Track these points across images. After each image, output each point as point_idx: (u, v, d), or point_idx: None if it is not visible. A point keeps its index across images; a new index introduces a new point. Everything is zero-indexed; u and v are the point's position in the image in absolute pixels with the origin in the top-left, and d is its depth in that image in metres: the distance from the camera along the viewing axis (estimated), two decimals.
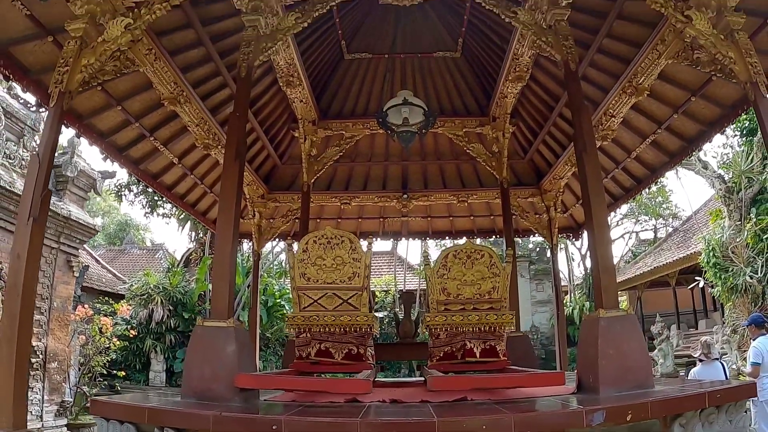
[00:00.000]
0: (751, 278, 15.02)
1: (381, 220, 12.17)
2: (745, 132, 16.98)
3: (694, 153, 8.96)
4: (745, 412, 3.96)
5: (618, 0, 6.39)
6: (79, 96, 5.43)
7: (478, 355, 5.38)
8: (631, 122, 8.20)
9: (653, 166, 9.17)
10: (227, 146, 5.48)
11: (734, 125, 17.16)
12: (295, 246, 5.76)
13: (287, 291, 21.88)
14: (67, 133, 10.30)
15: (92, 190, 13.74)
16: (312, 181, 9.68)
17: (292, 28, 6.02)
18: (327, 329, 5.37)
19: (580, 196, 10.74)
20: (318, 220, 11.54)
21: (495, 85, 8.99)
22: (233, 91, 7.61)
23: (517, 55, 7.64)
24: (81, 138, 7.69)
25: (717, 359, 8.97)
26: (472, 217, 12.29)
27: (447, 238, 12.79)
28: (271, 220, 10.97)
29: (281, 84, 8.18)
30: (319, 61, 9.17)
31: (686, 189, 65.37)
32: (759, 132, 15.66)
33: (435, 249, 38.67)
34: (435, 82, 9.90)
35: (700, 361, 8.97)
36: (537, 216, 11.11)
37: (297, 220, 10.57)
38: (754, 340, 8.57)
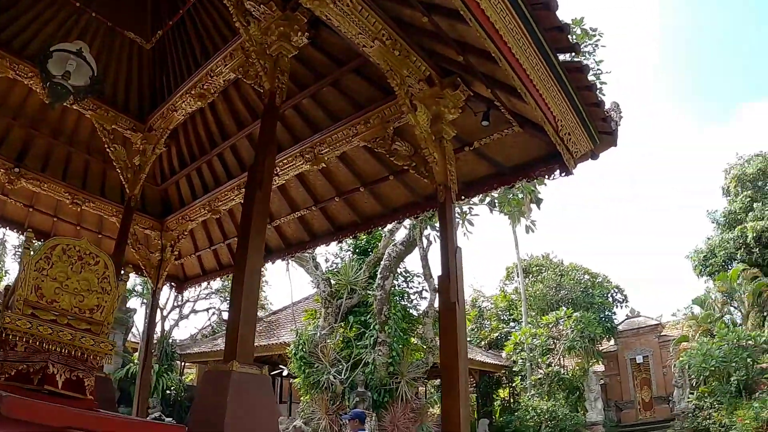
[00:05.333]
0: (335, 378, 16.29)
1: None
2: (358, 251, 19.40)
3: (330, 244, 9.26)
4: None
5: (344, 67, 6.53)
6: None
7: (60, 386, 4.35)
8: (288, 191, 8.28)
9: (290, 241, 9.26)
10: None
11: (351, 244, 19.05)
12: None
13: None
14: None
15: None
16: None
17: None
18: None
19: (201, 248, 10.50)
20: None
21: (170, 93, 8.24)
22: None
23: (214, 73, 7.13)
24: None
25: None
26: (78, 228, 10.72)
27: (41, 240, 10.77)
28: None
29: None
30: None
31: (292, 282, 70.48)
32: (371, 253, 17.84)
33: None
34: (109, 58, 8.48)
35: None
36: (149, 253, 10.28)
37: None
38: None
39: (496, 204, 17.36)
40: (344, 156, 7.10)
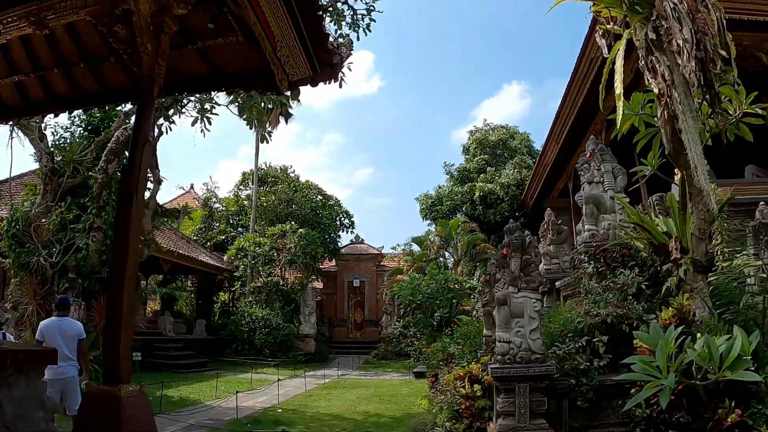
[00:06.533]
0: (46, 261, 15.53)
1: None
2: (90, 128, 18.56)
3: (46, 115, 8.94)
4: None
5: None
6: None
7: None
8: (10, 51, 7.71)
9: (7, 105, 8.74)
10: None
11: (84, 120, 18.14)
12: None
13: None
14: None
15: None
16: None
17: None
18: None
19: None
20: None
21: None
22: None
23: None
24: None
25: None
26: None
27: None
28: None
29: None
30: None
31: (13, 151, 63.99)
32: (103, 133, 17.03)
33: None
34: None
35: None
36: None
37: None
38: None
39: (245, 108, 17.17)
40: (71, 26, 6.86)
